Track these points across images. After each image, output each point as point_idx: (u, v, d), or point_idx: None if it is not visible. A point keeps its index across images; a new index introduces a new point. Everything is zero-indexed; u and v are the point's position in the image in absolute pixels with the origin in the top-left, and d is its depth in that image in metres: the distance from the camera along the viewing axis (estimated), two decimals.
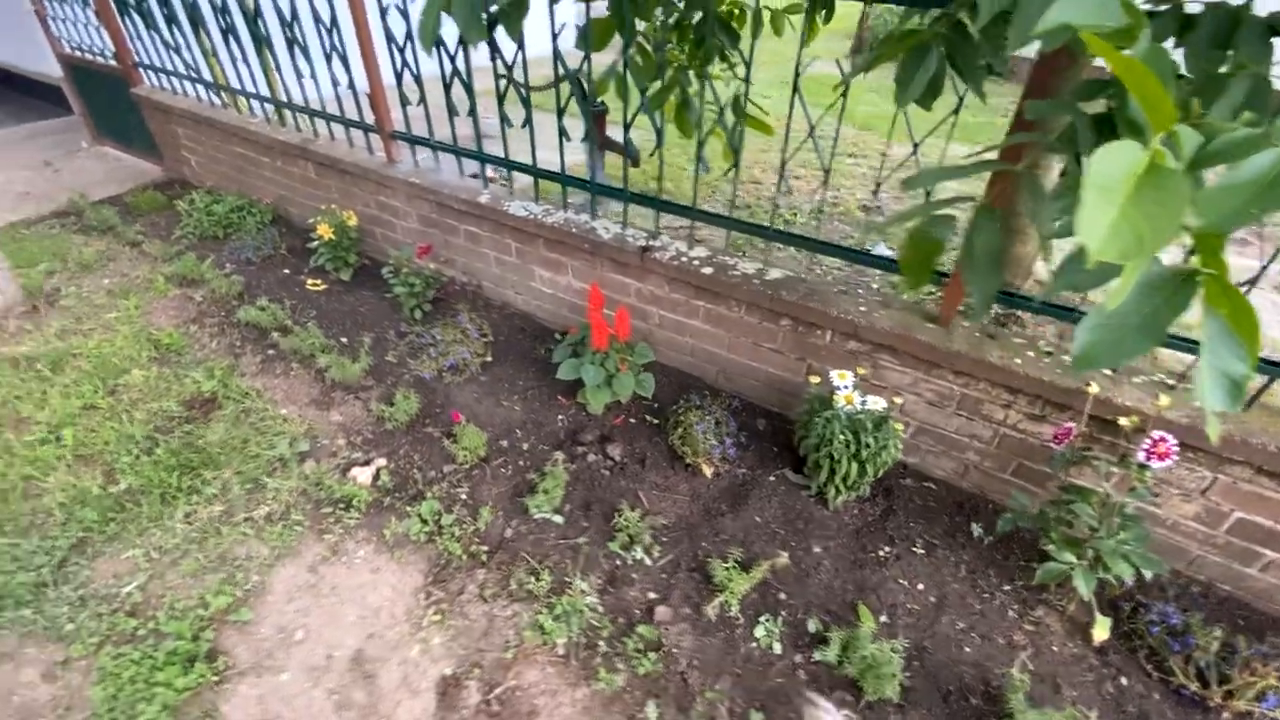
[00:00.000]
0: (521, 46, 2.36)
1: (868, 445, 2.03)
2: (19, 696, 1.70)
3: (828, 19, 2.72)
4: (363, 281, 3.43)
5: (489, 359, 2.89)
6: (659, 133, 2.42)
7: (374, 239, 3.59)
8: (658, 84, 2.56)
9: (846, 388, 2.05)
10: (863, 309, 2.20)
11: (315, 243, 3.32)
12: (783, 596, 1.96)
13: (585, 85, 3.22)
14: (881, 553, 2.10)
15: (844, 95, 1.97)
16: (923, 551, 2.10)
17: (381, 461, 2.34)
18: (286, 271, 3.51)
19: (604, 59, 2.43)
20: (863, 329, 2.16)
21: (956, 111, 1.77)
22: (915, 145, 1.93)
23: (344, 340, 2.97)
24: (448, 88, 2.79)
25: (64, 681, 1.73)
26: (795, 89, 2.01)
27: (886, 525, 2.19)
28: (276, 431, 2.44)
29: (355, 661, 1.77)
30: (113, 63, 4.42)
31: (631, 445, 2.45)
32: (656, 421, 2.57)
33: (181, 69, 3.99)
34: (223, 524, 2.11)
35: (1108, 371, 1.93)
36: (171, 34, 3.78)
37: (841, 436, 2.03)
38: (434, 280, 3.17)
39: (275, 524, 2.11)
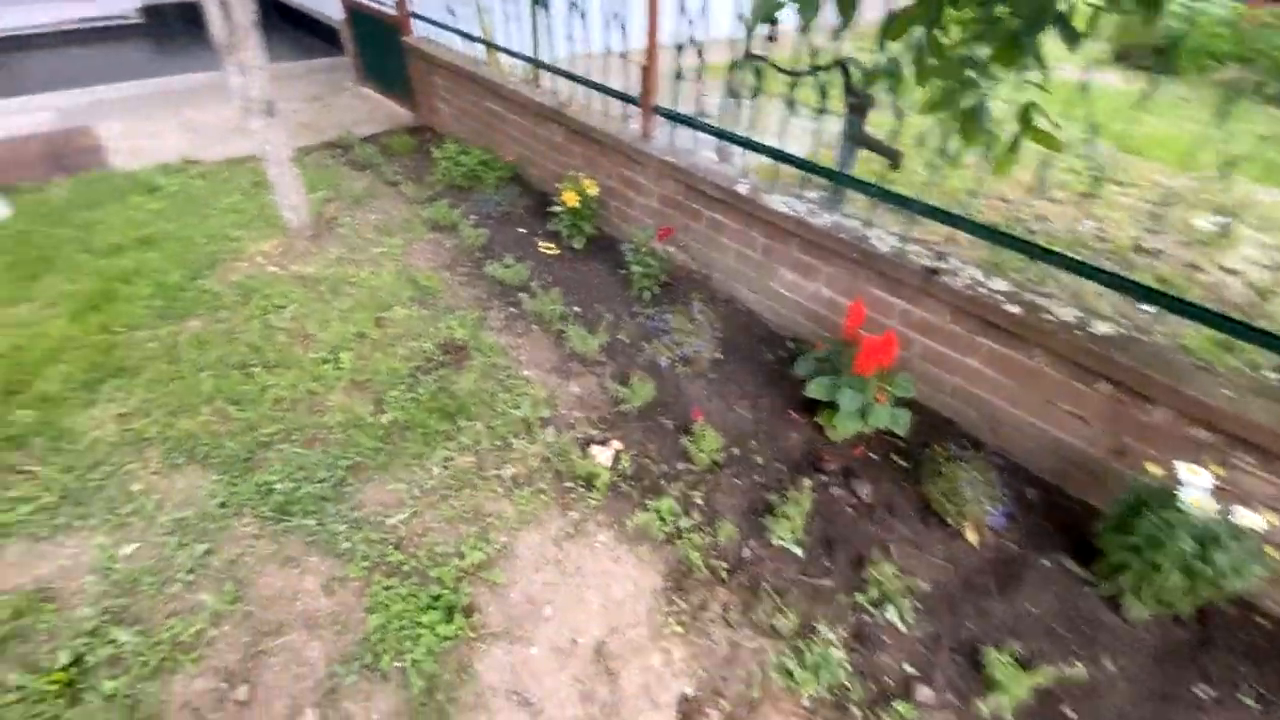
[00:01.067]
0: (846, 25, 2.14)
1: (1213, 563, 1.65)
2: (301, 603, 1.85)
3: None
4: (593, 253, 3.44)
5: (718, 355, 2.77)
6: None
7: (607, 211, 3.59)
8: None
9: (1202, 489, 1.68)
10: (1227, 392, 1.79)
11: (558, 208, 3.37)
12: (1069, 713, 1.67)
13: (851, 75, 2.93)
14: (1197, 691, 1.72)
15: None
16: (1254, 703, 1.70)
17: (618, 444, 2.31)
18: (522, 231, 3.61)
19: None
20: (1223, 417, 1.76)
21: None
22: None
23: (578, 310, 2.99)
24: (735, 66, 2.65)
25: (340, 598, 1.86)
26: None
27: (1201, 657, 1.80)
28: (520, 392, 2.49)
29: (598, 653, 1.74)
30: (391, 10, 4.77)
31: (876, 485, 2.23)
32: (904, 464, 2.32)
33: (453, 22, 4.21)
34: (475, 476, 2.18)
35: None
36: None
37: (1182, 546, 1.66)
38: (667, 263, 3.10)
39: (522, 487, 2.15)
